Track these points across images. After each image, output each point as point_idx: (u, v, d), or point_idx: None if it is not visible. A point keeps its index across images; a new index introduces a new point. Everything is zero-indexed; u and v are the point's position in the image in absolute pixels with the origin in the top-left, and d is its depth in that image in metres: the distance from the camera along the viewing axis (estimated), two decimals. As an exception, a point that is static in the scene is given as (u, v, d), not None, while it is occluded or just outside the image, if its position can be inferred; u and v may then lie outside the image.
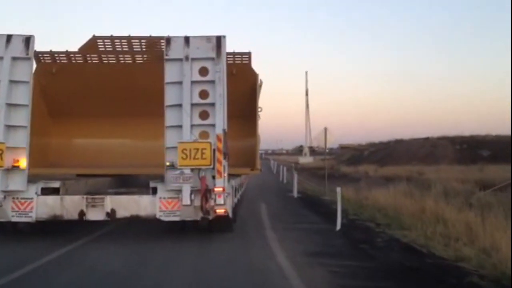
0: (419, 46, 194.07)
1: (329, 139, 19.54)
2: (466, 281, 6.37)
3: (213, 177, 8.49)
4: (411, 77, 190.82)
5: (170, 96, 8.83)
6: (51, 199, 8.69)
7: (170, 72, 8.90)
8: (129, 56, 11.03)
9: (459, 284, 6.30)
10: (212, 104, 8.76)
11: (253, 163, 11.47)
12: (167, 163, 8.49)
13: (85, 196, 8.75)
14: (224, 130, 8.62)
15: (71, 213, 8.65)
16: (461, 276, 6.63)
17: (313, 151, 76.71)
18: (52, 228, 9.26)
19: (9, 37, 8.71)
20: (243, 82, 10.57)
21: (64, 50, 10.88)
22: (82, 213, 8.63)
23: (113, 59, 11.02)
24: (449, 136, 48.59)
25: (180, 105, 8.75)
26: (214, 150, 8.42)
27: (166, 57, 8.93)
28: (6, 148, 8.28)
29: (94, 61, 11.01)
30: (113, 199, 8.76)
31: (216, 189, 8.40)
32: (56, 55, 10.84)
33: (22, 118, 8.60)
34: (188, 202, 8.39)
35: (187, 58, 8.85)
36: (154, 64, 10.45)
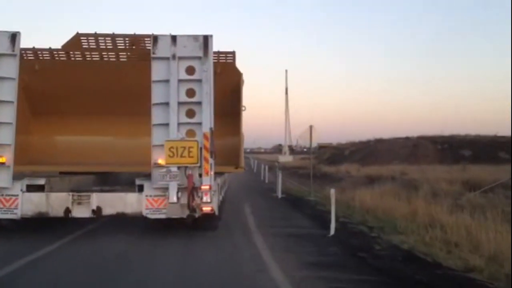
0: (398, 46, 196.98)
1: (315, 137, 19.55)
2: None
3: (200, 175, 8.82)
4: (389, 77, 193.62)
5: (157, 94, 9.12)
6: (36, 196, 8.92)
7: (157, 71, 9.18)
8: (113, 54, 11.23)
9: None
10: (199, 103, 9.08)
11: (237, 162, 11.83)
12: (159, 161, 8.78)
13: (71, 193, 9.01)
14: (211, 128, 8.96)
15: (56, 210, 8.89)
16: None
17: (292, 150, 77.31)
18: (37, 226, 9.48)
19: (-6, 34, 8.90)
20: (227, 81, 10.84)
21: (47, 47, 11.06)
22: (67, 210, 8.88)
23: (97, 56, 11.22)
24: (429, 135, 49.62)
25: (167, 103, 9.06)
26: (201, 148, 8.75)
27: (153, 56, 9.21)
28: (-9, 145, 8.50)
29: (77, 59, 11.19)
30: (99, 196, 9.04)
31: (203, 187, 8.73)
32: (39, 52, 11.00)
33: (8, 115, 8.82)
34: (175, 200, 8.71)
35: (174, 56, 9.15)
36: (138, 62, 10.76)
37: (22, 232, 9.30)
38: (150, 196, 8.98)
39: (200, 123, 9.02)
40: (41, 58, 11.06)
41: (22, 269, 7.09)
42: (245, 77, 11.61)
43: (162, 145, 8.80)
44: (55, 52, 11.08)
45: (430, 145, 47.30)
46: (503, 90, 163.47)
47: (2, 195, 8.77)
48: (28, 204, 8.85)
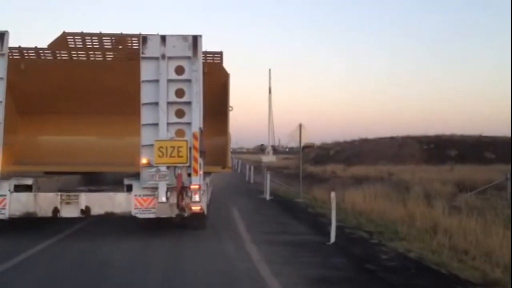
0: (383, 45, 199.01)
1: (304, 136, 19.36)
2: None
3: (189, 175, 9.12)
4: (374, 76, 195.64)
5: (146, 94, 9.39)
6: (24, 196, 9.13)
7: (146, 70, 9.45)
8: (99, 53, 11.45)
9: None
10: (188, 103, 9.38)
11: (224, 162, 12.17)
12: (144, 161, 9.07)
13: (59, 193, 9.24)
14: (200, 128, 9.26)
15: (44, 210, 9.12)
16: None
17: (275, 150, 77.79)
18: (25, 225, 9.70)
19: (-19, 33, 9.10)
20: (214, 81, 11.10)
21: (33, 46, 11.25)
22: (56, 210, 9.11)
23: (84, 56, 11.43)
24: (415, 135, 50.50)
25: (156, 103, 9.33)
26: (190, 148, 9.06)
27: (142, 55, 9.48)
28: (-21, 145, 8.71)
29: (64, 58, 11.38)
30: (88, 196, 9.28)
31: (192, 187, 9.03)
32: (24, 51, 11.17)
33: (-4, 114, 9.02)
34: (164, 200, 9.01)
35: (163, 56, 9.43)
36: (124, 62, 11.03)
37: (11, 231, 9.53)
38: (139, 195, 9.25)
39: (189, 123, 9.31)
40: (27, 57, 11.25)
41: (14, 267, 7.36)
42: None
43: (151, 145, 9.08)
44: (41, 51, 11.27)
45: (416, 145, 48.15)
46: (488, 90, 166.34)
47: None
48: (16, 204, 9.06)
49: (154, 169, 9.02)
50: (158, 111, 9.30)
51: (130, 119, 10.37)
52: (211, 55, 11.45)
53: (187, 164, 9.04)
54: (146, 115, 9.37)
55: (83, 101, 11.87)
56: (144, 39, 9.56)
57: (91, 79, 11.50)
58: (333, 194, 10.26)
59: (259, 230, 11.25)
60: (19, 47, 11.03)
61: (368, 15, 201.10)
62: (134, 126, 10.04)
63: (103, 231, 10.40)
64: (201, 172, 9.26)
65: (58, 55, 11.35)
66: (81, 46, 11.23)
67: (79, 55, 11.42)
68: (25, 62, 11.15)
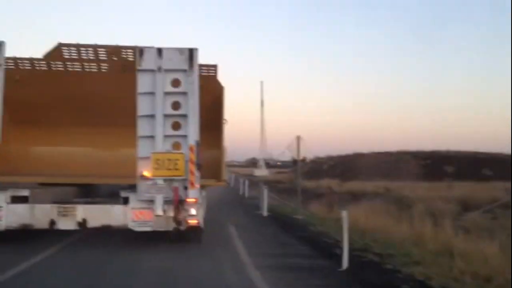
0: (376, 59, 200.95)
1: (303, 149, 18.95)
2: None
3: (185, 188, 9.39)
4: (367, 91, 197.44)
5: (143, 106, 9.67)
6: (21, 207, 9.38)
7: (143, 83, 9.73)
8: (94, 64, 11.72)
9: None
10: (185, 115, 9.66)
11: (218, 175, 12.43)
12: (144, 173, 9.32)
13: (56, 205, 9.49)
14: (196, 141, 9.54)
15: (41, 222, 9.36)
16: None
17: (267, 163, 78.24)
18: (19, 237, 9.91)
19: (-22, 44, 9.37)
20: (209, 94, 11.26)
21: (28, 56, 11.52)
22: (52, 222, 9.37)
23: (78, 67, 11.71)
24: (410, 150, 51.12)
25: (152, 116, 9.61)
26: (187, 161, 9.34)
27: (138, 68, 9.76)
28: (-26, 156, 8.94)
29: (58, 69, 11.66)
30: (85, 208, 9.54)
31: (189, 200, 9.29)
32: (19, 61, 11.42)
33: (-8, 125, 9.25)
34: (161, 213, 9.26)
35: (159, 69, 9.72)
36: (119, 74, 11.30)
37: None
38: (136, 208, 9.50)
39: (185, 136, 9.59)
40: (21, 67, 11.49)
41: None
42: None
43: (147, 157, 9.34)
44: (35, 62, 11.52)
45: (412, 160, 48.73)
46: (484, 106, 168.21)
47: None
48: (13, 215, 9.30)
49: (150, 182, 9.27)
50: (155, 124, 9.57)
51: (125, 131, 10.65)
52: (206, 68, 11.68)
53: (184, 177, 9.30)
54: (142, 127, 9.62)
55: (78, 112, 12.13)
56: (140, 51, 9.85)
57: (85, 90, 11.75)
58: (344, 214, 9.46)
59: (260, 251, 10.63)
60: (14, 57, 11.27)
61: (362, 27, 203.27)
62: (129, 138, 10.33)
63: (94, 243, 10.60)
64: (198, 185, 9.51)
65: (53, 66, 11.61)
66: (76, 57, 11.49)
67: (74, 66, 11.69)
68: (20, 73, 11.37)
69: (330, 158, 57.65)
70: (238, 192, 32.37)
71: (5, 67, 11.23)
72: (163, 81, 9.73)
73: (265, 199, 19.60)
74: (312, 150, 19.51)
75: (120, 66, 11.50)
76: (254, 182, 33.86)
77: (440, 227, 12.19)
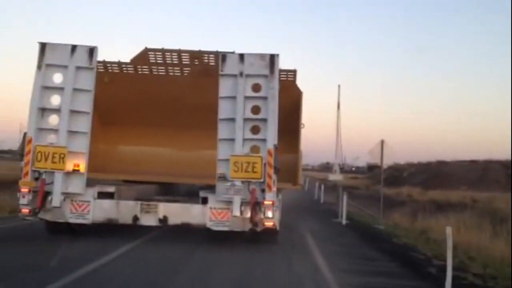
0: (459, 63, 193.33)
1: (387, 154, 17.99)
2: None
3: (263, 191, 9.93)
4: (451, 96, 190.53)
5: (224, 110, 10.33)
6: (107, 203, 10.33)
7: (224, 87, 10.40)
8: (178, 68, 12.61)
9: None
10: (264, 120, 10.21)
11: (295, 179, 12.93)
12: (223, 175, 9.97)
13: (139, 202, 10.36)
14: (275, 145, 10.05)
15: (125, 218, 10.26)
16: None
17: (341, 168, 77.82)
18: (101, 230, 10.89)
19: (73, 47, 10.38)
20: (288, 99, 11.70)
21: (116, 60, 12.56)
22: (136, 218, 10.23)
23: (163, 71, 12.64)
24: (499, 159, 48.94)
25: (232, 119, 10.23)
26: (264, 164, 9.88)
27: (221, 73, 10.44)
28: (68, 153, 9.95)
29: (144, 72, 12.65)
30: (166, 206, 10.35)
31: (266, 203, 9.81)
32: (108, 64, 12.48)
33: (83, 124, 10.24)
34: (238, 214, 9.86)
35: (241, 74, 10.35)
36: (201, 77, 12.09)
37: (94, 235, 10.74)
38: (214, 208, 10.17)
39: (264, 140, 10.13)
40: (110, 70, 12.56)
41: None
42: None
43: (227, 160, 9.98)
44: (123, 65, 12.56)
45: (502, 170, 46.80)
46: None
47: (75, 200, 10.19)
48: (99, 210, 10.25)
49: (229, 183, 9.88)
50: (235, 127, 10.17)
51: (204, 133, 11.45)
52: (285, 73, 12.19)
53: (261, 180, 9.84)
54: (223, 130, 10.27)
55: (160, 114, 13.06)
56: (223, 57, 10.53)
57: (169, 93, 12.66)
58: (449, 230, 8.26)
59: (342, 266, 9.83)
60: (104, 61, 12.31)
61: (448, 30, 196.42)
62: (208, 140, 11.06)
63: (177, 239, 11.39)
64: (275, 189, 10.02)
65: (139, 69, 12.60)
66: (161, 61, 12.42)
67: (159, 70, 12.62)
68: (108, 76, 12.42)
69: (410, 165, 56.45)
70: (313, 197, 32.58)
71: (96, 70, 12.43)
72: (244, 85, 10.34)
73: (345, 206, 18.84)
74: (391, 156, 18.82)
75: (202, 70, 12.29)
76: (329, 187, 33.85)
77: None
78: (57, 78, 10.32)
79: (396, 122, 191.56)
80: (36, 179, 9.84)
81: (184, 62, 12.47)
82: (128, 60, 12.55)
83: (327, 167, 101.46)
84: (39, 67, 10.23)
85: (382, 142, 18.04)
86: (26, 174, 9.85)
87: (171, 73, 12.66)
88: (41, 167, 9.83)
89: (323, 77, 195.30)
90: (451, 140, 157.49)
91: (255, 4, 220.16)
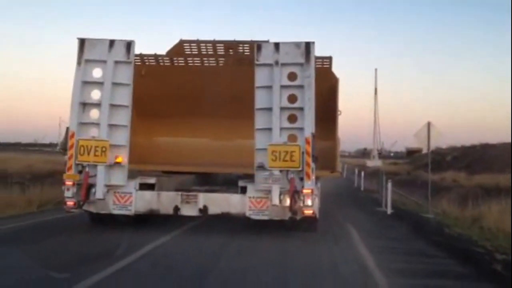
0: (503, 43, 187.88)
1: (434, 137, 16.92)
2: None
3: (301, 179, 10.18)
4: (490, 76, 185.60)
5: (260, 99, 10.59)
6: (148, 194, 10.80)
7: (260, 77, 10.65)
8: (213, 59, 12.96)
9: None
10: (301, 108, 10.42)
11: (333, 166, 13.16)
12: (262, 164, 10.27)
13: (179, 192, 10.80)
14: (312, 133, 10.27)
15: (166, 208, 10.71)
16: None
17: (379, 154, 77.20)
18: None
19: (111, 42, 10.81)
20: (324, 86, 11.89)
21: (152, 53, 12.98)
22: (176, 208, 10.67)
23: (198, 62, 13.01)
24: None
25: (269, 109, 10.48)
26: (302, 152, 10.13)
27: (256, 62, 10.68)
28: (109, 146, 10.43)
29: (180, 64, 13.05)
30: (206, 196, 10.75)
31: (304, 191, 10.07)
32: (145, 58, 12.93)
33: (124, 118, 10.71)
34: (277, 202, 10.15)
35: (276, 63, 10.57)
36: (235, 67, 12.40)
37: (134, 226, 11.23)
38: (253, 197, 10.50)
39: (301, 128, 10.34)
40: (147, 63, 13.00)
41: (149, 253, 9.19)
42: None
43: (265, 149, 10.25)
44: (160, 58, 12.99)
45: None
46: None
47: (118, 192, 10.70)
48: (141, 201, 10.73)
49: (267, 173, 10.18)
50: (272, 116, 10.43)
51: (240, 122, 11.79)
52: (320, 60, 12.36)
53: (300, 169, 10.09)
54: (260, 120, 10.54)
55: (197, 104, 13.45)
56: (258, 46, 10.77)
57: (204, 84, 13.02)
58: None
59: (395, 266, 8.74)
60: (140, 54, 12.73)
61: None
62: (244, 129, 11.41)
63: (216, 228, 11.78)
64: (313, 177, 10.27)
65: (175, 61, 12.99)
66: (196, 52, 12.78)
67: (194, 61, 12.98)
68: (145, 68, 12.85)
69: (453, 149, 55.43)
70: (352, 184, 32.48)
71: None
72: (280, 74, 10.55)
73: (389, 194, 17.92)
74: (439, 139, 17.57)
75: (237, 60, 12.59)
76: (368, 174, 33.61)
77: None
78: (97, 73, 10.78)
79: (435, 105, 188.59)
80: (80, 172, 10.36)
81: (219, 53, 12.80)
82: (164, 53, 12.97)
83: (364, 153, 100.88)
84: (78, 62, 10.70)
85: (429, 124, 17.00)
86: (70, 167, 10.38)
87: (206, 64, 13.03)
88: (84, 160, 10.33)
89: (359, 61, 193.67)
90: (494, 121, 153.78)
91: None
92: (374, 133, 76.33)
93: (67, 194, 10.30)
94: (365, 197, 23.87)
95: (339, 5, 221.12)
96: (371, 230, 13.38)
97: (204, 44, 12.63)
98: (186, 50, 12.78)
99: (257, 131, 10.56)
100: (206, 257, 8.93)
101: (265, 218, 10.52)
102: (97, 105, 10.66)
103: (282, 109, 10.48)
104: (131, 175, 11.01)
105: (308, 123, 10.32)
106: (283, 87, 10.55)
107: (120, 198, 10.70)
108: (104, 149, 10.39)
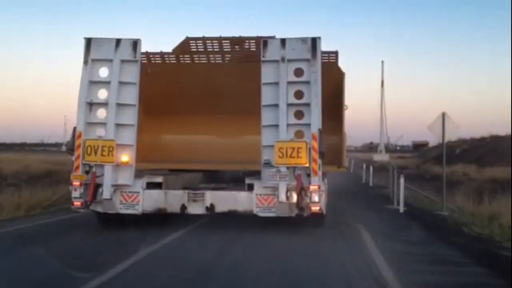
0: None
1: (450, 128, 16.18)
2: None
3: (308, 175, 10.26)
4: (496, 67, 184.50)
5: (266, 96, 10.67)
6: (155, 193, 10.91)
7: (267, 73, 10.72)
8: (219, 56, 13.08)
9: None
10: (307, 104, 10.49)
11: (339, 161, 13.24)
12: (268, 161, 10.36)
13: (186, 191, 10.92)
14: (319, 129, 10.34)
15: (173, 207, 10.82)
16: None
17: (386, 148, 76.98)
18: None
19: (118, 41, 10.90)
20: (330, 81, 11.87)
21: (158, 51, 13.10)
22: (183, 207, 10.78)
23: (204, 59, 13.13)
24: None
25: (276, 105, 10.55)
26: (309, 149, 10.21)
27: (263, 59, 10.76)
28: (116, 145, 10.53)
29: (186, 61, 13.18)
30: (213, 194, 10.86)
31: (311, 187, 10.15)
32: (151, 56, 13.06)
33: (130, 117, 10.81)
34: (284, 199, 10.23)
35: (283, 59, 10.64)
36: (242, 64, 12.50)
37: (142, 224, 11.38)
38: (260, 194, 10.59)
39: (308, 124, 10.41)
40: (153, 61, 13.13)
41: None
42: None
43: (271, 146, 10.33)
44: (165, 56, 13.11)
45: None
46: None
47: (125, 192, 10.81)
48: (148, 200, 10.85)
49: (274, 169, 10.25)
50: (278, 113, 10.50)
51: (246, 119, 11.92)
52: (326, 54, 12.44)
53: (307, 165, 10.17)
54: (266, 117, 10.62)
55: (203, 101, 13.58)
56: (264, 43, 10.84)
57: (211, 81, 13.16)
58: None
59: (416, 278, 7.56)
60: (146, 52, 12.84)
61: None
62: (250, 125, 11.57)
63: (222, 225, 11.94)
64: (320, 173, 10.36)
65: (181, 59, 13.11)
66: (202, 49, 12.89)
67: (200, 58, 13.09)
68: (151, 66, 12.98)
69: (462, 142, 55.15)
70: (360, 180, 32.07)
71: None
72: (286, 71, 10.62)
73: (402, 191, 16.73)
74: (455, 131, 16.39)
75: (243, 56, 12.69)
76: (376, 168, 33.20)
77: None
78: (103, 72, 10.90)
79: (441, 98, 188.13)
80: (87, 172, 10.47)
81: (225, 50, 12.91)
82: (169, 51, 13.08)
83: (370, 147, 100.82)
84: (85, 62, 10.80)
85: (444, 115, 16.20)
86: (77, 167, 10.49)
87: (213, 61, 13.15)
88: (91, 160, 10.42)
89: (365, 54, 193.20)
90: (503, 113, 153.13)
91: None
92: (381, 127, 75.81)
93: (75, 194, 10.40)
94: (374, 194, 23.20)
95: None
96: (384, 231, 12.22)
97: (210, 41, 12.73)
98: (192, 47, 12.89)
99: (263, 128, 10.65)
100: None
101: (272, 215, 10.61)
102: (104, 104, 10.77)
103: (289, 105, 10.55)
104: (138, 174, 11.12)
105: (315, 119, 10.39)
106: (289, 83, 10.63)
107: (127, 198, 10.82)
108: (111, 149, 10.49)
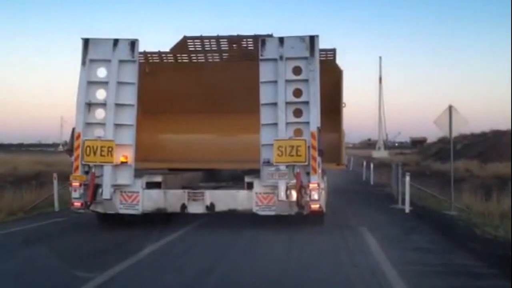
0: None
1: (457, 122, 15.59)
2: None
3: (307, 173, 10.37)
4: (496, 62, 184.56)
5: (265, 95, 10.76)
6: (155, 192, 11.03)
7: (265, 72, 10.82)
8: (217, 54, 13.20)
9: None
10: (306, 102, 10.61)
11: (338, 158, 13.36)
12: (267, 160, 10.48)
13: (186, 190, 11.03)
14: (318, 127, 10.46)
15: (173, 206, 10.94)
16: None
17: (385, 144, 77.28)
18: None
19: (115, 41, 11.00)
20: (328, 78, 11.91)
21: (156, 50, 13.21)
22: (183, 206, 10.90)
23: (202, 58, 13.25)
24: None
25: (274, 104, 10.66)
26: (308, 147, 10.33)
27: (261, 57, 10.86)
28: (115, 145, 10.64)
29: (184, 60, 13.29)
30: (212, 193, 10.97)
31: (311, 185, 10.26)
32: (149, 55, 13.18)
33: (129, 117, 10.92)
34: (284, 198, 10.35)
35: (281, 57, 10.74)
36: (239, 62, 12.62)
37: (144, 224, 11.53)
38: (260, 193, 10.70)
39: (307, 122, 10.53)
40: (151, 61, 13.25)
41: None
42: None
43: (270, 144, 10.44)
44: (163, 55, 13.23)
45: None
46: None
47: (125, 192, 10.92)
48: (148, 200, 10.96)
49: (273, 168, 10.37)
50: (277, 111, 10.61)
51: (245, 117, 12.04)
52: (324, 52, 12.50)
53: (306, 163, 10.29)
54: (265, 115, 10.73)
55: (201, 100, 13.72)
56: (262, 41, 10.95)
57: (209, 79, 13.28)
58: None
59: None
60: (144, 51, 12.94)
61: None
62: (249, 124, 11.69)
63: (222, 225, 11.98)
64: (320, 171, 10.47)
65: (179, 58, 13.23)
66: (200, 48, 13.01)
67: (198, 57, 13.21)
68: (149, 66, 13.11)
69: (463, 137, 55.07)
70: (360, 178, 31.72)
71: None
72: (285, 69, 10.73)
73: (407, 190, 15.83)
74: (463, 125, 15.58)
75: (241, 55, 12.81)
76: (375, 165, 32.95)
77: None
78: (101, 72, 11.00)
79: (439, 95, 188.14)
80: (86, 173, 10.59)
81: (223, 48, 13.03)
82: (167, 50, 13.21)
83: (369, 144, 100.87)
84: (83, 62, 10.91)
85: (450, 108, 15.56)
86: (77, 168, 10.61)
87: (210, 60, 13.27)
88: (91, 161, 10.54)
89: (363, 50, 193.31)
90: (503, 108, 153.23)
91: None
92: (379, 124, 76.23)
93: (74, 195, 10.52)
94: (376, 193, 22.19)
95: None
96: (391, 236, 11.15)
97: (207, 40, 12.87)
98: (189, 46, 13.03)
99: (262, 127, 10.75)
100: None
101: (272, 213, 10.72)
102: (103, 105, 10.88)
103: (288, 103, 10.66)
104: (138, 173, 11.22)
105: (314, 117, 10.50)
106: (288, 81, 10.74)
107: (127, 198, 10.93)
108: (110, 149, 10.60)
